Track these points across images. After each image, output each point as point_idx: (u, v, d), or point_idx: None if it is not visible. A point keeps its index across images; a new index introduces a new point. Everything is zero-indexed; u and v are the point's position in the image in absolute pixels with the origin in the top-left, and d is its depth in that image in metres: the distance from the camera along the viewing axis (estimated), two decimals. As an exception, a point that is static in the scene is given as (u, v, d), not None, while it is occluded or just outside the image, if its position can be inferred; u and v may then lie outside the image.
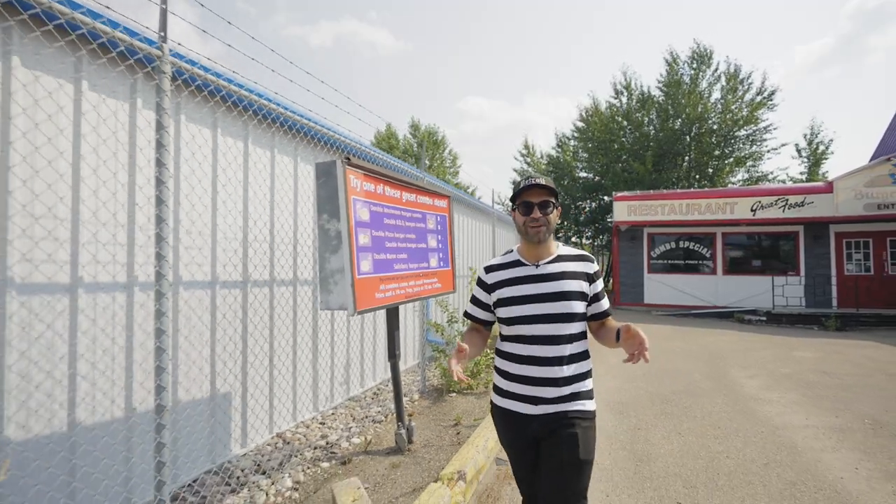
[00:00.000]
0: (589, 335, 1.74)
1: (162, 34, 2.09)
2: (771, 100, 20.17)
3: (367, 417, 4.21)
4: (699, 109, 20.24)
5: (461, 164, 32.09)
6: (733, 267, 13.43)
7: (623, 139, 22.39)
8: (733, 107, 20.42)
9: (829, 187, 12.04)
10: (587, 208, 25.10)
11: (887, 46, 51.78)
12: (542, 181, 1.66)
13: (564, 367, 1.60)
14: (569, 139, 26.02)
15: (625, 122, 22.40)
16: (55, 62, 2.24)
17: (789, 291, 12.50)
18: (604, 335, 1.70)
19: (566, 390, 1.59)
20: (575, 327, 1.63)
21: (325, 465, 3.17)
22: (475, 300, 1.85)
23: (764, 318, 11.67)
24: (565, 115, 66.28)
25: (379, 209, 3.00)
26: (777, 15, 56.94)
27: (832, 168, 22.42)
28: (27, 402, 2.12)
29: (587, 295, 1.67)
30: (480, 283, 1.83)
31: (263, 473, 3.05)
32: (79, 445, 2.29)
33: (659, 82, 21.78)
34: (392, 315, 3.33)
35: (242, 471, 3.08)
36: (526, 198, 1.68)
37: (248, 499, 2.70)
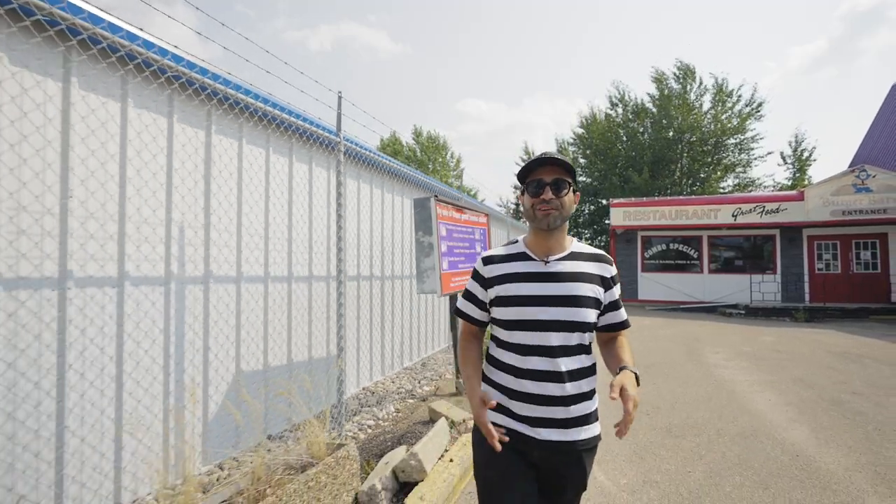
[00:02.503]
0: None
1: (339, 133, 3.54)
2: (759, 111, 21.71)
3: (424, 378, 5.66)
4: (689, 120, 21.73)
5: (463, 167, 33.53)
6: (717, 266, 14.92)
7: (620, 147, 23.88)
8: (723, 117, 21.94)
9: (800, 195, 13.55)
10: (586, 211, 26.59)
11: (878, 49, 53.49)
12: (556, 155, 1.38)
13: (571, 383, 1.34)
14: (569, 145, 27.50)
15: (621, 132, 23.87)
16: (263, 140, 3.69)
17: (765, 288, 13.99)
18: (609, 353, 1.46)
19: (574, 411, 1.34)
20: (585, 338, 1.37)
21: (410, 401, 4.62)
22: (469, 296, 1.53)
23: (743, 312, 13.16)
24: (563, 118, 67.83)
25: (450, 226, 4.44)
26: (772, 17, 58.61)
27: (818, 173, 23.86)
28: (246, 352, 3.57)
29: (601, 302, 1.40)
30: (476, 276, 1.51)
31: (374, 406, 4.50)
32: (297, 372, 3.75)
33: (650, 96, 23.27)
34: (454, 300, 4.78)
35: (358, 403, 4.52)
36: (537, 175, 1.40)
37: (372, 414, 4.14)
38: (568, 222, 1.44)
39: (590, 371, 1.39)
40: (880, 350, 7.33)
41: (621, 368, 1.31)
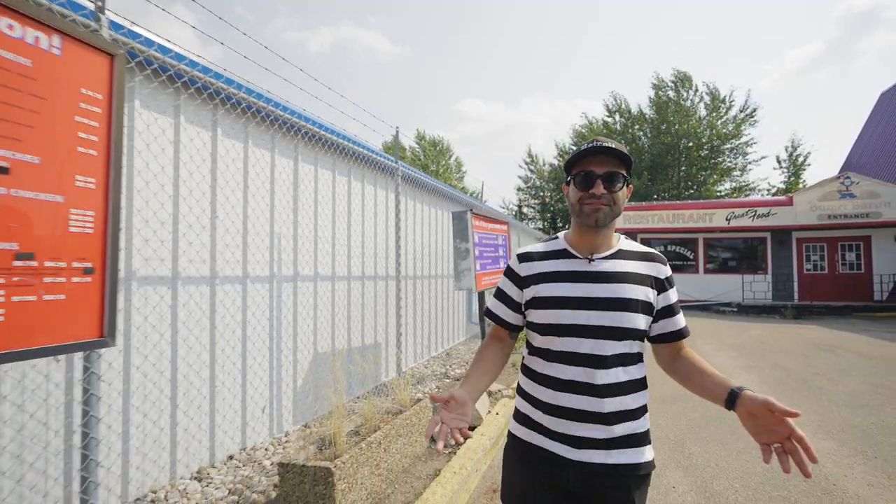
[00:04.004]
0: (651, 360, 1.31)
1: (397, 162, 4.43)
2: (752, 116, 22.64)
3: (452, 364, 6.54)
4: (686, 126, 22.65)
5: (465, 169, 34.45)
6: (712, 267, 15.82)
7: (619, 152, 24.78)
8: (718, 123, 22.88)
9: (789, 200, 14.45)
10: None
11: (877, 50, 54.47)
12: (610, 144, 1.17)
13: (617, 398, 1.15)
14: (567, 153, 28.45)
15: (621, 139, 24.79)
16: (345, 168, 4.59)
17: (756, 287, 14.89)
18: (690, 371, 1.23)
19: (618, 430, 1.15)
20: (633, 346, 1.19)
21: (447, 381, 5.50)
22: (501, 295, 1.36)
23: (735, 310, 14.06)
24: (563, 119, 68.79)
25: (481, 234, 5.33)
26: (769, 19, 59.64)
27: (815, 175, 24.80)
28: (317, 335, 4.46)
29: (653, 307, 1.20)
30: (511, 274, 1.34)
31: (416, 385, 5.39)
32: (355, 354, 4.64)
33: (650, 100, 24.20)
34: (482, 296, 5.66)
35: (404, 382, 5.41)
36: (587, 166, 1.19)
37: (419, 389, 5.02)
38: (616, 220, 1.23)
39: (638, 385, 1.19)
40: (853, 342, 8.21)
41: (735, 390, 1.07)
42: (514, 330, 1.36)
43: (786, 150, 24.55)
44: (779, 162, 24.52)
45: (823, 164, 48.39)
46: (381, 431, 2.76)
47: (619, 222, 10.74)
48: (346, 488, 2.31)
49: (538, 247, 1.35)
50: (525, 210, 31.48)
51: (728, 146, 22.94)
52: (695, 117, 22.99)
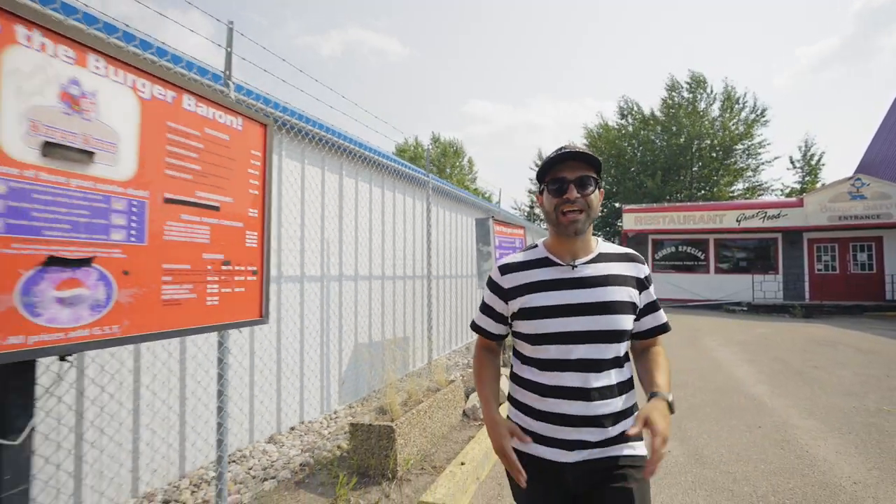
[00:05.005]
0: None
1: (429, 176, 5.04)
2: (763, 116, 22.78)
3: (471, 357, 7.15)
4: (699, 127, 22.88)
5: (477, 170, 34.99)
6: (723, 267, 16.14)
7: (632, 153, 25.08)
8: (731, 124, 23.06)
9: (800, 202, 14.73)
10: (600, 213, 27.84)
11: (893, 48, 53.50)
12: (579, 149, 1.17)
13: (611, 400, 1.16)
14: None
15: (633, 140, 25.10)
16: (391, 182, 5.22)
17: (767, 287, 15.19)
18: (642, 369, 1.27)
19: (612, 431, 1.16)
20: (621, 348, 1.21)
21: (470, 370, 6.09)
22: (487, 309, 1.35)
23: (745, 309, 14.39)
24: (570, 120, 68.81)
25: (501, 238, 5.91)
26: (782, 15, 58.97)
27: (831, 176, 24.82)
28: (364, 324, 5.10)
29: (636, 306, 1.22)
30: (493, 286, 1.32)
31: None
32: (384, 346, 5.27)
33: (663, 101, 24.44)
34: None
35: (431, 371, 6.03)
36: (558, 173, 1.19)
37: (445, 378, 5.63)
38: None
39: (628, 385, 1.22)
40: (856, 339, 8.59)
41: (653, 394, 1.14)
42: (500, 340, 1.40)
43: (799, 149, 24.61)
44: (792, 162, 24.58)
45: (841, 164, 47.84)
46: (426, 403, 3.37)
47: (631, 223, 11.38)
48: (403, 443, 2.92)
49: (518, 257, 1.32)
50: (537, 211, 31.94)
51: (740, 147, 23.11)
52: (707, 118, 23.21)
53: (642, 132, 24.74)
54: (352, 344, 4.98)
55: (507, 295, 1.28)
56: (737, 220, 15.19)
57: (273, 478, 2.98)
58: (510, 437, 1.20)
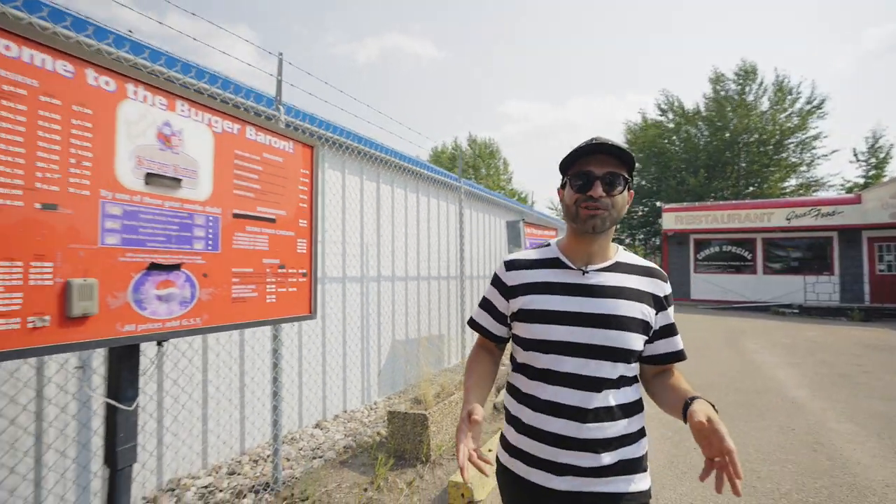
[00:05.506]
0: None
1: (460, 181, 5.28)
2: (820, 108, 21.52)
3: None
4: (747, 121, 21.89)
5: (513, 171, 34.92)
6: (772, 267, 15.44)
7: (673, 150, 24.33)
8: (782, 117, 21.93)
9: (857, 198, 13.90)
10: (640, 212, 27.16)
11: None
12: (611, 142, 1.06)
13: (608, 424, 1.05)
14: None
15: (674, 137, 24.32)
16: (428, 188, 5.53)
17: (820, 289, 14.42)
18: (661, 388, 1.14)
19: (606, 458, 1.04)
20: (628, 369, 1.10)
21: (502, 368, 6.29)
22: (487, 305, 1.27)
23: (797, 311, 13.74)
24: (610, 116, 67.05)
25: (532, 239, 6.07)
26: None
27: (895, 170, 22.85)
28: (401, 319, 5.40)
29: (650, 326, 1.10)
30: (496, 281, 1.25)
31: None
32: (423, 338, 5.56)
33: (705, 97, 23.54)
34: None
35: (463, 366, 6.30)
36: (585, 166, 1.08)
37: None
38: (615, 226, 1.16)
39: (632, 409, 1.10)
40: (916, 343, 8.11)
41: (693, 399, 0.99)
42: (500, 342, 1.29)
43: (865, 141, 23.01)
44: (856, 155, 23.04)
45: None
46: (457, 395, 3.61)
47: (671, 223, 11.17)
48: (436, 430, 3.18)
49: (529, 254, 1.25)
50: (575, 210, 31.45)
51: (793, 140, 21.93)
52: (756, 112, 22.17)
53: (683, 128, 23.94)
54: (389, 340, 5.29)
55: (509, 293, 1.20)
56: (786, 219, 14.51)
57: (320, 457, 3.32)
58: (467, 420, 1.03)
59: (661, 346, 1.16)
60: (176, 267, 1.66)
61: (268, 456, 3.32)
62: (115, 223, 1.47)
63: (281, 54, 2.93)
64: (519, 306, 1.17)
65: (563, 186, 1.17)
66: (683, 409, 1.00)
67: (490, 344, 1.32)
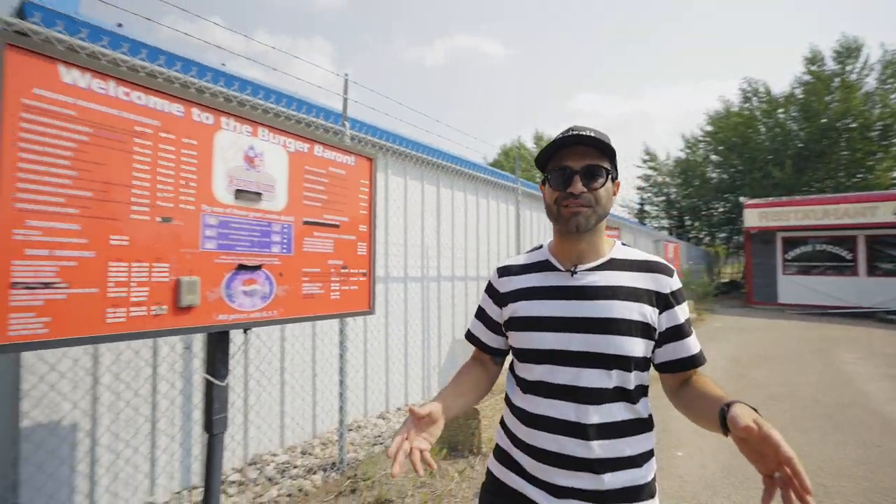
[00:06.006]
0: (657, 390, 1.09)
1: (517, 183, 5.38)
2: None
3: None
4: (847, 105, 19.60)
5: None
6: (878, 268, 13.74)
7: (758, 140, 22.35)
8: (893, 97, 19.40)
9: None
10: (721, 209, 25.26)
11: None
12: (587, 132, 1.00)
13: (607, 442, 0.96)
14: (698, 140, 26.33)
15: (760, 126, 22.35)
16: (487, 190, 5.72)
17: (939, 292, 12.60)
18: (689, 399, 1.00)
19: (609, 481, 0.95)
20: (628, 379, 0.99)
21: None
22: (482, 315, 1.22)
23: (908, 318, 12.12)
24: (689, 105, 62.62)
25: (591, 241, 6.03)
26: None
27: None
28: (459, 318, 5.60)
29: (653, 329, 1.00)
30: (490, 290, 1.20)
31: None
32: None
33: (798, 81, 21.36)
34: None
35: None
36: (562, 160, 1.02)
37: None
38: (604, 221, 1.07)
39: (638, 426, 1.00)
40: None
41: (729, 404, 0.82)
42: (496, 354, 1.21)
43: None
44: None
45: None
46: (509, 392, 3.75)
47: (754, 220, 10.47)
48: (487, 424, 3.35)
49: (520, 258, 1.19)
50: (647, 208, 29.94)
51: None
52: (860, 92, 19.75)
53: (770, 115, 21.89)
54: (449, 338, 5.52)
55: (501, 300, 1.15)
56: (894, 213, 12.86)
57: (381, 444, 3.61)
58: (411, 417, 0.95)
59: (671, 352, 1.03)
60: (258, 267, 1.97)
61: (335, 440, 3.67)
62: (212, 231, 1.80)
63: (346, 75, 3.25)
64: (509, 314, 1.12)
65: (543, 183, 1.11)
66: (721, 417, 0.81)
67: (484, 357, 1.24)
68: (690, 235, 27.61)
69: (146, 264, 1.58)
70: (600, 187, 1.02)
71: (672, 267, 1.07)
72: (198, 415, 2.91)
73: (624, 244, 1.14)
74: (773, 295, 15.10)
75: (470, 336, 1.26)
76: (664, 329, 1.02)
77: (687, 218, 27.71)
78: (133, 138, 1.56)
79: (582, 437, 0.96)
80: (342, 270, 2.36)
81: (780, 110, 21.67)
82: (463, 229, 5.79)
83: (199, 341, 2.91)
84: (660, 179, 29.12)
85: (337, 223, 2.35)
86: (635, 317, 0.99)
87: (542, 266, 1.12)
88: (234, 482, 2.95)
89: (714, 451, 3.50)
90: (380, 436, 3.83)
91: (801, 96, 21.16)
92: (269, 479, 3.01)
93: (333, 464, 3.20)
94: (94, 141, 1.46)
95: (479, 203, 6.10)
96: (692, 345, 1.04)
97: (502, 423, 1.17)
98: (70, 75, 1.41)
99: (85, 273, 1.43)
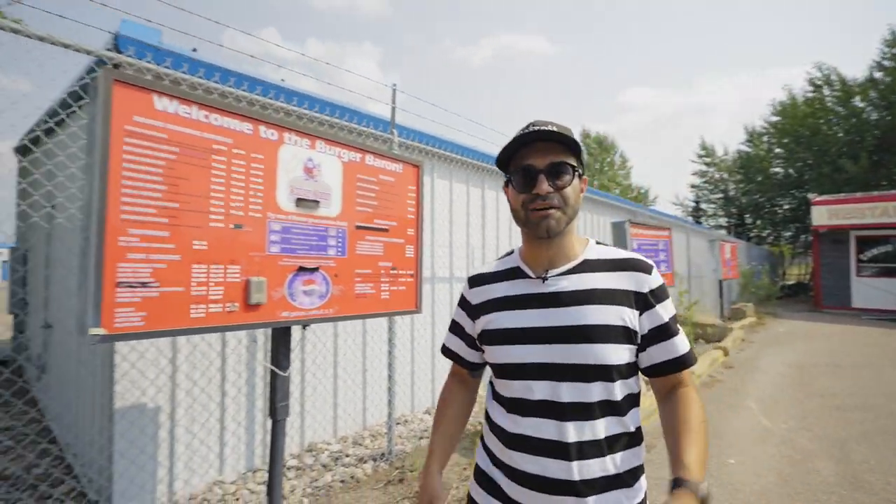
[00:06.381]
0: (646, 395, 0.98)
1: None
2: None
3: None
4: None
5: (632, 165, 32.74)
6: (972, 271, 12.38)
7: (831, 131, 20.67)
8: None
9: None
10: (786, 206, 23.62)
11: None
12: (549, 127, 0.93)
13: (587, 461, 0.89)
14: (761, 134, 24.73)
15: (831, 117, 20.67)
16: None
17: None
18: (667, 418, 0.95)
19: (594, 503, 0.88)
20: (613, 390, 0.91)
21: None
22: (456, 328, 1.17)
23: None
24: (751, 95, 58.71)
25: (640, 241, 5.88)
26: None
27: None
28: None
29: (634, 332, 0.93)
30: (462, 302, 1.14)
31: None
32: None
33: (877, 63, 19.51)
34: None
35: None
36: (525, 160, 0.96)
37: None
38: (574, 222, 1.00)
39: (625, 441, 0.93)
40: None
41: (676, 482, 0.80)
42: (475, 369, 1.16)
43: None
44: None
45: None
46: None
47: (823, 218, 9.84)
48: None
49: (491, 266, 1.12)
50: (703, 206, 28.46)
51: None
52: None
53: (849, 104, 20.14)
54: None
55: (473, 312, 1.08)
56: None
57: (427, 438, 3.76)
58: None
59: (656, 354, 0.96)
60: (316, 269, 2.15)
61: (384, 432, 3.85)
62: (277, 236, 1.99)
63: (395, 85, 3.42)
64: (481, 327, 1.06)
65: (506, 185, 1.03)
66: (671, 484, 0.81)
67: (463, 372, 1.19)
68: (751, 234, 26.00)
69: (222, 266, 1.78)
70: (567, 185, 0.95)
71: (651, 263, 1.00)
72: (260, 403, 3.16)
73: (599, 242, 1.07)
74: (845, 298, 13.97)
75: (446, 351, 1.21)
76: (646, 331, 0.95)
77: (748, 216, 26.10)
78: (211, 155, 1.77)
79: (564, 458, 0.89)
80: (391, 271, 2.51)
81: (857, 97, 19.91)
82: (508, 229, 5.84)
83: (261, 335, 3.17)
84: (717, 176, 27.60)
85: (386, 227, 2.50)
86: (614, 321, 0.92)
87: (512, 273, 1.06)
88: (292, 467, 3.18)
89: (771, 460, 3.37)
90: (426, 430, 3.98)
91: (885, 79, 19.25)
92: (324, 466, 3.23)
93: (382, 454, 3.37)
94: (179, 159, 1.67)
95: (524, 204, 6.13)
96: (679, 345, 0.96)
97: (482, 440, 1.09)
98: (161, 102, 1.63)
99: (173, 274, 1.64)
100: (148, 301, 1.58)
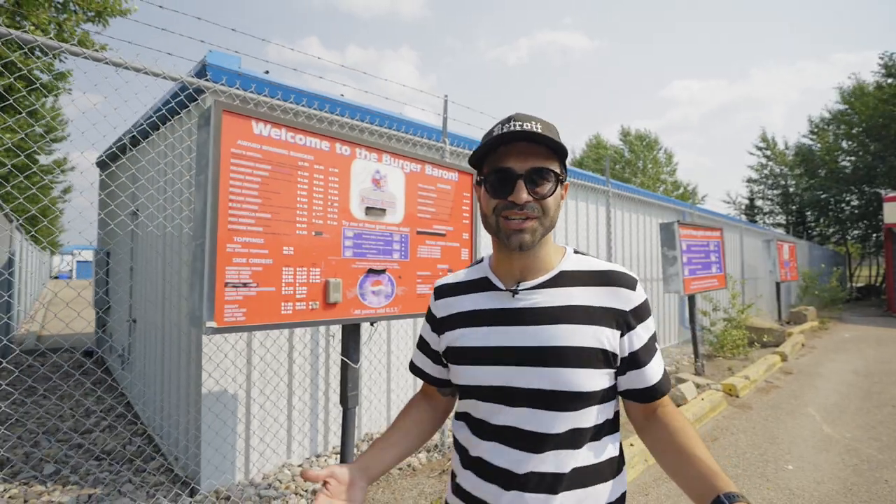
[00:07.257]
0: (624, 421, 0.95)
1: (608, 185, 5.38)
2: None
3: (665, 362, 7.02)
4: None
5: (677, 161, 31.56)
6: None
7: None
8: None
9: None
10: (853, 202, 22.03)
11: None
12: (534, 127, 0.81)
13: (555, 497, 0.80)
14: (828, 123, 23.14)
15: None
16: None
17: None
18: (660, 446, 0.85)
19: None
20: (584, 418, 0.82)
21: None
22: (422, 344, 1.06)
23: None
24: (811, 84, 54.81)
25: (689, 242, 5.79)
26: None
27: None
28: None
29: (612, 355, 0.83)
30: (428, 315, 1.04)
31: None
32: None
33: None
34: (692, 300, 6.06)
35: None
36: (502, 161, 0.84)
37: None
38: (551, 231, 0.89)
39: (603, 472, 0.84)
40: None
41: (729, 497, 0.68)
42: (444, 386, 1.04)
43: None
44: None
45: None
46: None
47: (895, 216, 9.25)
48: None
49: (458, 275, 1.01)
50: (759, 203, 26.99)
51: None
52: None
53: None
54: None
55: (438, 326, 0.98)
56: None
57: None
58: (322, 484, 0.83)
59: (632, 381, 0.86)
60: (383, 271, 2.36)
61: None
62: (350, 242, 2.21)
63: (446, 96, 3.60)
64: (446, 343, 0.95)
65: (478, 184, 0.91)
66: (726, 499, 0.68)
67: (431, 390, 1.07)
68: (814, 233, 24.42)
69: (305, 269, 2.02)
70: (548, 195, 0.84)
71: (635, 277, 0.89)
72: (328, 392, 3.43)
73: (577, 251, 0.96)
74: (922, 302, 12.92)
75: (413, 367, 1.09)
76: (626, 354, 0.85)
77: (809, 213, 24.52)
78: (296, 171, 2.00)
79: (521, 489, 0.80)
80: (448, 273, 2.69)
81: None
82: (552, 232, 5.91)
83: (333, 329, 3.43)
84: (777, 170, 26.09)
85: (444, 232, 2.68)
86: (591, 343, 0.82)
87: (481, 285, 0.94)
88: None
89: (834, 468, 3.28)
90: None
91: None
92: (382, 454, 3.45)
93: (436, 445, 3.56)
94: (271, 175, 1.92)
95: (569, 205, 6.16)
96: (653, 372, 0.87)
97: (453, 476, 0.97)
98: (258, 127, 1.88)
99: (267, 276, 1.89)
100: (248, 299, 1.83)
